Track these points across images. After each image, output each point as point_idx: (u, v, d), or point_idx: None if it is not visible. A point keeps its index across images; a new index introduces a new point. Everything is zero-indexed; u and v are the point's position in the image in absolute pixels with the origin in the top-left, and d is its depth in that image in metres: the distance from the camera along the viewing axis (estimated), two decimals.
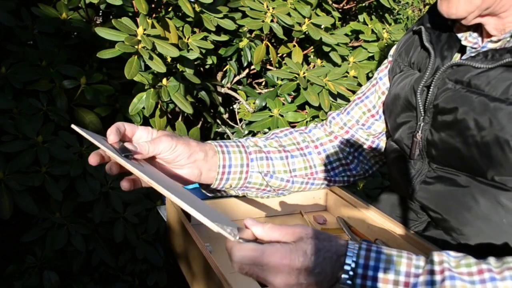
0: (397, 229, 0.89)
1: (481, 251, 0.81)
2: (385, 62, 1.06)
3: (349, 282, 0.62)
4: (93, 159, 0.76)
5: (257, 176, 0.95)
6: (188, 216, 0.97)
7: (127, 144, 0.78)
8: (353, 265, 0.63)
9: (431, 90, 0.86)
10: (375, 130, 1.05)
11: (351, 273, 0.63)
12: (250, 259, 0.62)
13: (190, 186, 1.12)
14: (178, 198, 0.66)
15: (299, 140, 1.04)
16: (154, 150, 0.80)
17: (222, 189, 0.95)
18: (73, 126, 0.76)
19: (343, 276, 0.63)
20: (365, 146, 1.06)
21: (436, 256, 0.62)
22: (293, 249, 0.63)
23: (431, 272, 0.61)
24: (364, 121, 1.05)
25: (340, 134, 1.06)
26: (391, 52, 1.05)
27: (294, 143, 1.03)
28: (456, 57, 0.88)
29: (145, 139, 0.83)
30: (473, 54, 0.83)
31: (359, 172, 1.06)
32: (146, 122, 1.54)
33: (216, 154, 0.91)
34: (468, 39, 0.87)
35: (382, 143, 1.07)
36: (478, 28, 0.87)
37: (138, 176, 0.73)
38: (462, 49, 0.88)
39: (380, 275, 0.62)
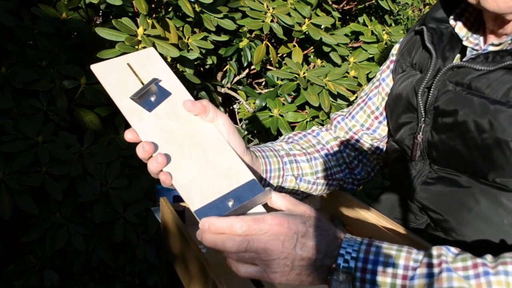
0: (393, 228, 0.89)
1: (480, 252, 0.81)
2: (387, 62, 1.06)
3: (345, 265, 0.64)
4: (129, 135, 0.70)
5: (291, 179, 0.95)
6: (182, 217, 0.97)
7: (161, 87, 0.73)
8: (349, 249, 0.64)
9: (431, 92, 0.86)
10: (379, 134, 1.05)
11: (347, 257, 0.64)
12: (252, 229, 0.63)
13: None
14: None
15: (314, 142, 1.04)
16: (212, 117, 0.74)
17: None
18: (92, 67, 0.72)
19: (339, 262, 0.64)
20: (369, 152, 1.06)
21: (435, 250, 0.63)
22: (292, 216, 0.66)
23: (429, 265, 0.62)
24: (369, 125, 1.05)
25: (346, 139, 1.06)
26: (393, 51, 1.04)
27: (311, 145, 1.03)
28: (458, 58, 0.88)
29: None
30: (473, 56, 0.83)
31: (363, 176, 1.07)
32: None
33: (258, 158, 0.89)
34: (470, 39, 0.87)
35: (385, 147, 1.07)
36: (480, 29, 0.87)
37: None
38: (464, 50, 0.88)
39: (379, 268, 0.63)
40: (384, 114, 1.04)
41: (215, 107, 0.76)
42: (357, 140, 1.05)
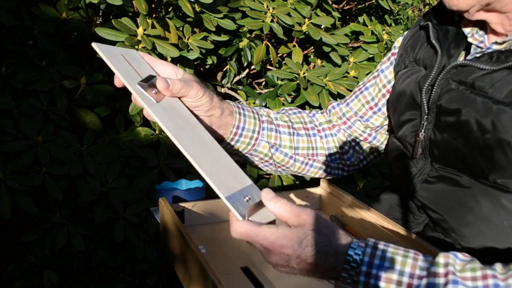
0: (392, 228, 0.88)
1: (480, 253, 0.81)
2: (388, 54, 1.06)
3: (351, 273, 0.63)
4: (118, 82, 0.73)
5: (264, 145, 0.96)
6: (182, 218, 0.97)
7: (158, 78, 0.74)
8: (356, 257, 0.64)
9: (434, 90, 0.86)
10: (373, 123, 1.06)
11: (353, 265, 0.63)
12: (245, 238, 0.65)
13: (193, 184, 1.12)
14: (185, 151, 0.66)
15: (306, 120, 1.06)
16: (184, 92, 0.78)
17: (230, 150, 0.95)
18: (93, 44, 0.71)
19: (345, 267, 0.64)
20: (361, 138, 1.07)
21: (442, 258, 0.62)
22: (289, 235, 0.65)
23: (435, 275, 0.60)
24: (362, 113, 1.06)
25: (338, 124, 1.08)
26: (396, 43, 1.05)
27: (302, 122, 1.04)
28: (462, 56, 0.87)
29: (169, 74, 0.80)
30: (478, 55, 0.82)
31: (353, 162, 1.08)
32: (146, 122, 1.54)
33: (232, 114, 0.90)
34: (475, 36, 0.86)
35: (379, 136, 1.08)
36: (484, 26, 0.86)
37: (148, 112, 0.71)
38: (469, 47, 0.87)
39: (384, 274, 0.62)
40: (380, 105, 1.05)
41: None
42: (350, 126, 1.07)
